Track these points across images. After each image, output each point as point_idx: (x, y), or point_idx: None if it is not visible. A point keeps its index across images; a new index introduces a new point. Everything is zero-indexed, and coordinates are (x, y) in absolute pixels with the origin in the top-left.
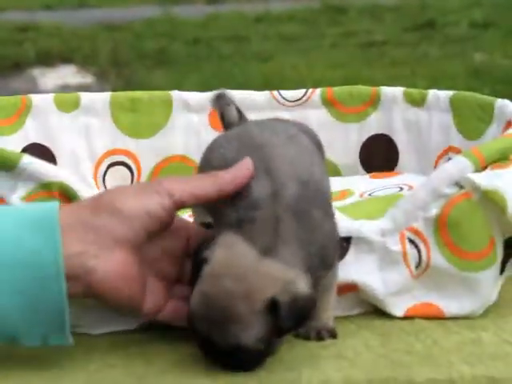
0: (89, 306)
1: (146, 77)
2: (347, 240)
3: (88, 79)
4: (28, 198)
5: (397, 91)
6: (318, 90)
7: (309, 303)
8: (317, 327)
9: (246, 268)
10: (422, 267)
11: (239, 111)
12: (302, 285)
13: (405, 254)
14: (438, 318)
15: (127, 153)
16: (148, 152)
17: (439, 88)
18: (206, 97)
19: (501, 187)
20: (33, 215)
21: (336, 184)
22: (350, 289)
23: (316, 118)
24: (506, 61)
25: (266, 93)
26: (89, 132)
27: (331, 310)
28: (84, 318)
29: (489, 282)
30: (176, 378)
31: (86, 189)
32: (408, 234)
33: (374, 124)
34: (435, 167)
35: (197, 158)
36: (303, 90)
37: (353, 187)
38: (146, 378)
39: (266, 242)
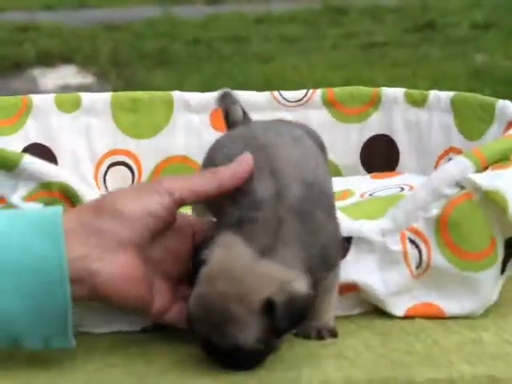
0: (93, 306)
1: (147, 77)
2: (348, 240)
3: (88, 79)
4: (29, 197)
5: (397, 92)
6: (319, 91)
7: (306, 303)
8: (317, 327)
9: (242, 269)
10: (422, 267)
11: (243, 111)
12: (300, 285)
13: (405, 254)
14: (439, 317)
15: (128, 153)
16: (149, 152)
17: (440, 89)
18: (207, 97)
19: (502, 187)
20: (37, 221)
21: (337, 184)
22: (350, 289)
23: (317, 118)
24: (507, 62)
25: (267, 93)
26: (89, 132)
27: (332, 310)
28: (87, 318)
29: (489, 282)
30: (176, 377)
31: (87, 189)
32: (409, 234)
33: (374, 124)
34: (436, 167)
35: (198, 158)
36: (304, 91)
37: (353, 187)
38: (147, 378)
39: (266, 242)
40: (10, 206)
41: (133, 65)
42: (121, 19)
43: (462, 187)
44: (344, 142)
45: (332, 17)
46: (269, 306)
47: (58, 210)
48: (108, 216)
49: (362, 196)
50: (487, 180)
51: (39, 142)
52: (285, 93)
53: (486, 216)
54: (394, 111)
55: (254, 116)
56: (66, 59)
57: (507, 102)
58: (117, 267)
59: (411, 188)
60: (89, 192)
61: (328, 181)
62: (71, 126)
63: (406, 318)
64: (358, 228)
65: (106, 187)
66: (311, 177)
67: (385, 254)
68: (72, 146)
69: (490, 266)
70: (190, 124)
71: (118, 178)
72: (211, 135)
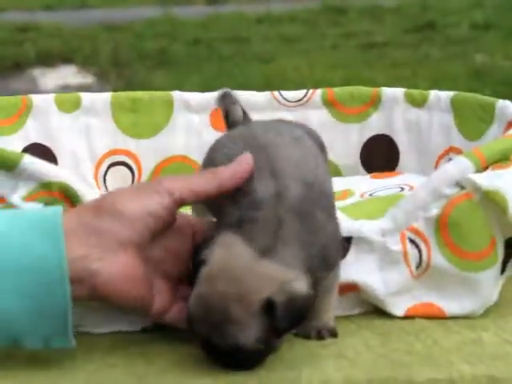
0: (93, 306)
1: (147, 77)
2: (348, 240)
3: (88, 79)
4: (29, 197)
5: (397, 92)
6: (319, 91)
7: (306, 303)
8: (317, 327)
9: (242, 269)
10: (422, 267)
11: (243, 111)
12: (300, 285)
13: (405, 254)
14: (439, 317)
15: (128, 153)
16: (149, 152)
17: (440, 89)
18: (207, 97)
19: (502, 188)
20: (37, 221)
21: (337, 184)
22: (350, 289)
23: (317, 118)
24: (507, 62)
25: (267, 93)
26: (89, 132)
27: (332, 310)
28: (87, 318)
29: (489, 282)
30: (176, 377)
31: (87, 189)
32: (409, 233)
33: (374, 124)
34: (436, 167)
35: (198, 158)
36: (304, 91)
37: (353, 187)
38: (147, 378)
39: (266, 242)
40: (10, 206)
41: (133, 65)
42: (121, 19)
43: (462, 187)
44: (344, 142)
45: (332, 17)
46: (269, 306)
47: (58, 210)
48: (108, 216)
49: (362, 196)
50: (487, 180)
51: (39, 141)
52: (285, 93)
53: (486, 216)
54: (394, 111)
55: (254, 116)
56: (66, 59)
57: (507, 102)
58: (117, 267)
59: (411, 188)
60: (89, 192)
61: (328, 181)
62: (71, 125)
63: (406, 318)
64: (357, 228)
65: (106, 187)
66: (311, 177)
67: (385, 254)
68: (72, 146)
69: (490, 266)
70: (190, 124)
71: (118, 178)
72: (211, 135)
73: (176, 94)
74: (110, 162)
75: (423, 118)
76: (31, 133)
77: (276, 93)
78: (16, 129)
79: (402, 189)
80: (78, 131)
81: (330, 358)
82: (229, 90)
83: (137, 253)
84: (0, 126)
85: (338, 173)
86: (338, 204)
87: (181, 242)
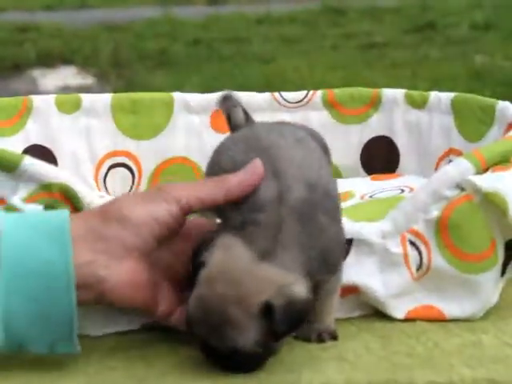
0: (90, 308)
1: (147, 78)
2: (348, 242)
3: (88, 80)
4: (29, 199)
5: (398, 93)
6: (319, 92)
7: (304, 307)
8: (318, 329)
9: (241, 272)
10: (422, 269)
11: (246, 113)
12: (299, 288)
13: (406, 256)
14: (439, 320)
15: (128, 154)
16: (149, 153)
17: (440, 90)
18: (207, 98)
19: (502, 189)
20: (45, 225)
21: None
22: (350, 291)
23: (317, 119)
24: (507, 63)
25: (267, 94)
26: (90, 133)
27: (334, 313)
28: (85, 320)
29: (490, 285)
30: (176, 380)
31: (87, 190)
32: (409, 236)
33: (374, 126)
34: (436, 169)
35: (198, 159)
36: (304, 92)
37: (354, 189)
38: (147, 381)
39: (266, 245)
40: (11, 207)
41: (133, 65)
42: (121, 20)
43: (462, 189)
44: (344, 143)
45: (331, 17)
46: (267, 310)
47: (65, 214)
48: (115, 222)
49: (362, 198)
50: (487, 182)
51: (39, 143)
52: (285, 94)
53: (486, 218)
54: (395, 112)
55: (255, 117)
56: (66, 60)
57: (507, 104)
58: (123, 273)
59: (411, 190)
60: (89, 193)
61: (332, 182)
62: (71, 127)
63: (406, 320)
64: (358, 230)
65: (107, 188)
66: (314, 178)
67: (385, 256)
68: (72, 147)
69: (491, 268)
70: (190, 125)
71: (119, 180)
72: (211, 136)
73: (176, 95)
74: (110, 164)
75: (423, 119)
76: (31, 134)
77: (276, 94)
78: (16, 130)
79: (402, 191)
80: (79, 132)
81: (331, 361)
82: (230, 92)
83: (143, 258)
84: (0, 128)
85: (338, 174)
86: None
87: (189, 246)
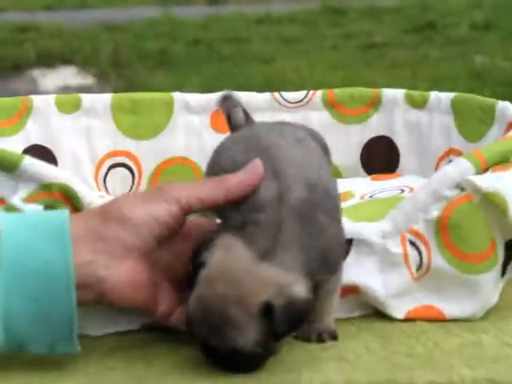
0: (90, 308)
1: (147, 78)
2: (348, 242)
3: (88, 80)
4: (29, 199)
5: (398, 93)
6: (319, 92)
7: (304, 307)
8: (318, 329)
9: (241, 272)
10: (423, 269)
11: (246, 113)
12: (299, 289)
13: (406, 256)
14: (439, 320)
15: (128, 154)
16: (149, 153)
17: (440, 90)
18: (207, 98)
19: (502, 189)
20: (45, 225)
21: None
22: (350, 291)
23: (317, 119)
24: (507, 63)
25: (267, 94)
26: (90, 133)
27: (334, 313)
28: (85, 320)
29: (490, 285)
30: (176, 380)
31: (87, 190)
32: (409, 236)
33: (374, 126)
34: (436, 169)
35: (198, 159)
36: (304, 92)
37: (354, 189)
38: (147, 381)
39: (266, 245)
40: (11, 207)
41: (133, 65)
42: (121, 20)
43: (463, 189)
44: (344, 143)
45: (331, 18)
46: (267, 310)
47: (65, 214)
48: (115, 222)
49: (362, 198)
50: (487, 182)
51: (39, 143)
52: (285, 94)
53: (486, 218)
54: (395, 112)
55: (255, 117)
56: (66, 60)
57: (507, 104)
58: (123, 273)
59: (411, 190)
60: (89, 193)
61: (332, 182)
62: (71, 127)
63: (406, 320)
64: (358, 230)
65: (107, 188)
66: (314, 178)
67: (385, 256)
68: (72, 147)
69: (491, 268)
70: (190, 125)
71: (119, 180)
72: (211, 136)
73: (176, 95)
74: (110, 164)
75: (423, 119)
76: (32, 134)
77: (276, 94)
78: (17, 130)
79: (402, 191)
80: (79, 132)
81: (331, 361)
82: (230, 92)
83: (143, 258)
84: (0, 128)
85: (338, 174)
86: None
87: (189, 246)
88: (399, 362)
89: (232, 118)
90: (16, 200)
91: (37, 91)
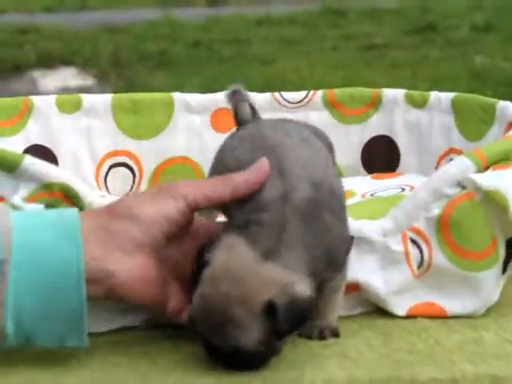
0: (92, 304)
1: (147, 79)
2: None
3: (88, 81)
4: (30, 198)
5: (398, 93)
6: (320, 92)
7: (307, 306)
8: (321, 326)
9: (244, 271)
10: (424, 267)
11: (253, 108)
12: (302, 288)
13: (407, 254)
14: (440, 317)
15: (129, 154)
16: (149, 153)
17: (440, 90)
18: (208, 98)
19: (502, 188)
20: (56, 222)
21: None
22: (352, 288)
23: (317, 119)
24: (507, 63)
25: (268, 94)
26: (90, 133)
27: (337, 310)
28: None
29: (491, 282)
30: (179, 376)
31: (88, 190)
32: (410, 233)
33: (375, 125)
34: (436, 168)
35: (198, 159)
36: (304, 92)
37: (355, 188)
38: (150, 377)
39: (269, 244)
40: (11, 206)
41: (133, 67)
42: (121, 21)
43: (463, 187)
44: (345, 143)
45: (331, 19)
46: (270, 309)
47: (74, 212)
48: (125, 219)
49: (363, 196)
50: (488, 180)
51: (40, 143)
52: (285, 94)
53: (487, 216)
54: (395, 112)
55: None
56: (66, 61)
57: (507, 103)
58: (133, 269)
59: (412, 188)
60: (90, 193)
61: (338, 181)
62: (72, 127)
63: (407, 317)
64: (359, 228)
65: (107, 188)
66: (320, 177)
67: (386, 254)
68: (73, 148)
69: (491, 265)
70: (190, 125)
71: (119, 179)
72: (212, 136)
73: (176, 95)
74: (110, 163)
75: (424, 118)
76: (32, 134)
77: (276, 94)
78: (17, 130)
79: (403, 189)
80: (79, 132)
81: (333, 358)
82: (240, 87)
83: (152, 255)
84: (1, 128)
85: (339, 173)
86: None
87: (197, 244)
88: (401, 359)
89: (239, 112)
90: (17, 199)
91: (37, 92)
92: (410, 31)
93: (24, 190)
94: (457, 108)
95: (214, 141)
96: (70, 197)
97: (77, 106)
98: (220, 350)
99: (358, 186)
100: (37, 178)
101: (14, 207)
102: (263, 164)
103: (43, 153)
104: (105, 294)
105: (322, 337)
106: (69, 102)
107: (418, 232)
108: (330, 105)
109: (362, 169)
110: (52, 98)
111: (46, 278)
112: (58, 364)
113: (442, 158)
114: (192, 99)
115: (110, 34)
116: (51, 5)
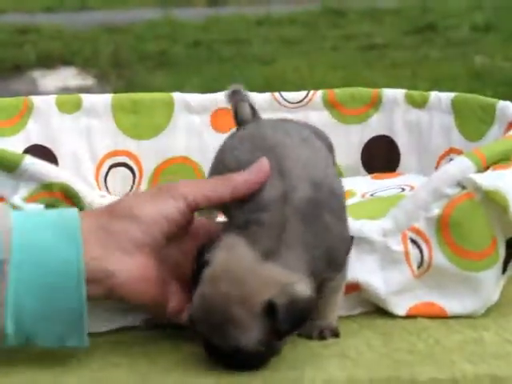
0: (92, 304)
1: (147, 79)
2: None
3: (88, 81)
4: (30, 198)
5: (398, 93)
6: (320, 92)
7: (307, 306)
8: (321, 326)
9: (244, 271)
10: (424, 267)
11: (253, 108)
12: (302, 288)
13: (407, 254)
14: (440, 317)
15: (129, 154)
16: (149, 153)
17: (440, 90)
18: (208, 98)
19: (502, 187)
20: (56, 222)
21: None
22: (352, 288)
23: (317, 119)
24: (507, 63)
25: (268, 94)
26: (90, 133)
27: (337, 310)
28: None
29: (491, 282)
30: (179, 376)
31: (88, 190)
32: (410, 233)
33: (375, 125)
34: (436, 168)
35: (198, 159)
36: (305, 92)
37: (354, 188)
38: (150, 377)
39: (269, 244)
40: (11, 206)
41: (133, 67)
42: (121, 21)
43: (463, 187)
44: (345, 143)
45: (331, 19)
46: (270, 309)
47: (74, 212)
48: (125, 219)
49: (363, 196)
50: (488, 180)
51: (40, 143)
52: (285, 94)
53: (487, 216)
54: (395, 112)
55: None
56: (66, 61)
57: (508, 103)
58: (133, 269)
59: (412, 188)
60: (90, 193)
61: (338, 181)
62: (72, 127)
63: (407, 317)
64: (359, 228)
65: (107, 188)
66: (320, 177)
67: (386, 254)
68: (73, 148)
69: (491, 265)
70: (190, 125)
71: (119, 179)
72: (212, 136)
73: (176, 95)
74: (110, 163)
75: (424, 118)
76: (32, 134)
77: (276, 94)
78: (17, 130)
79: (403, 189)
80: (79, 132)
81: (333, 358)
82: (240, 87)
83: (152, 255)
84: (1, 128)
85: (339, 173)
86: None
87: (197, 244)
88: (401, 359)
89: (239, 112)
90: (17, 199)
91: (37, 92)
92: (410, 31)
93: (24, 190)
94: (457, 108)
95: (214, 141)
96: (70, 197)
97: (77, 106)
98: (220, 349)
99: (358, 185)
100: (37, 177)
101: (14, 207)
102: (263, 164)
103: (43, 153)
104: (105, 294)
105: (322, 337)
106: (69, 102)
107: (418, 232)
108: (330, 105)
109: (362, 169)
110: (52, 98)
111: (45, 278)
112: (57, 364)
113: (442, 157)
114: (192, 99)
115: (110, 33)
116: (51, 5)
